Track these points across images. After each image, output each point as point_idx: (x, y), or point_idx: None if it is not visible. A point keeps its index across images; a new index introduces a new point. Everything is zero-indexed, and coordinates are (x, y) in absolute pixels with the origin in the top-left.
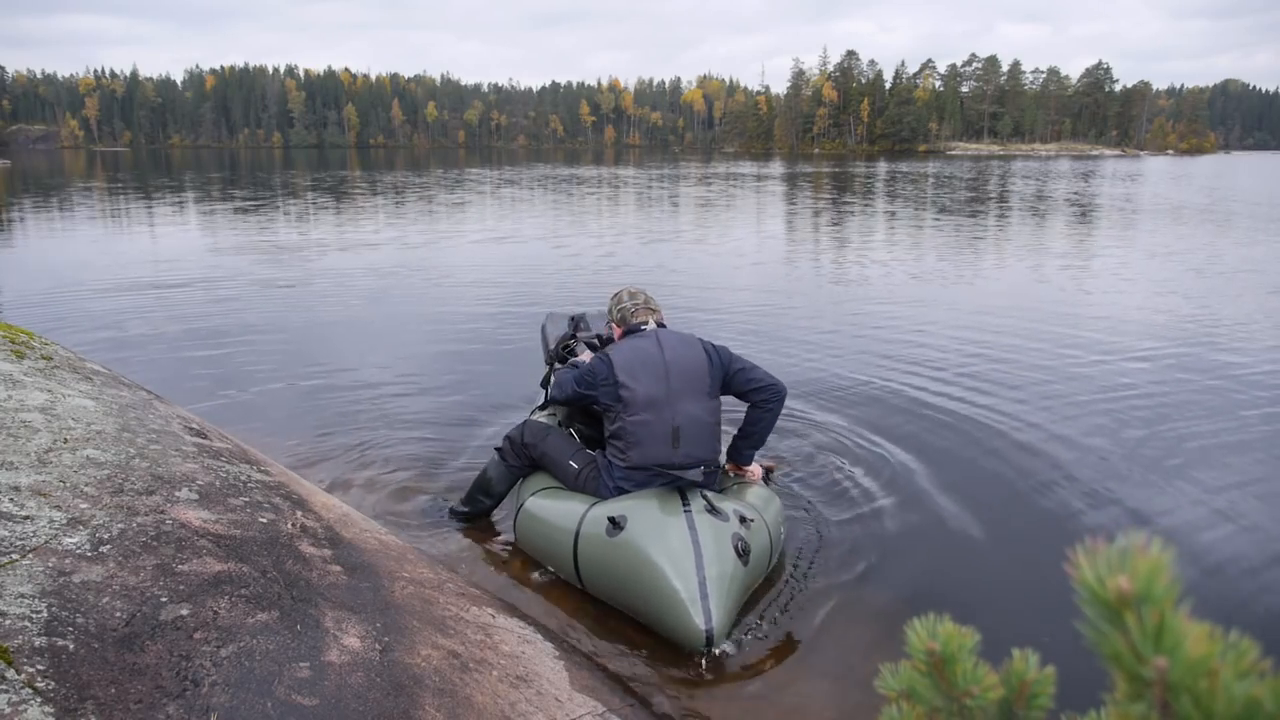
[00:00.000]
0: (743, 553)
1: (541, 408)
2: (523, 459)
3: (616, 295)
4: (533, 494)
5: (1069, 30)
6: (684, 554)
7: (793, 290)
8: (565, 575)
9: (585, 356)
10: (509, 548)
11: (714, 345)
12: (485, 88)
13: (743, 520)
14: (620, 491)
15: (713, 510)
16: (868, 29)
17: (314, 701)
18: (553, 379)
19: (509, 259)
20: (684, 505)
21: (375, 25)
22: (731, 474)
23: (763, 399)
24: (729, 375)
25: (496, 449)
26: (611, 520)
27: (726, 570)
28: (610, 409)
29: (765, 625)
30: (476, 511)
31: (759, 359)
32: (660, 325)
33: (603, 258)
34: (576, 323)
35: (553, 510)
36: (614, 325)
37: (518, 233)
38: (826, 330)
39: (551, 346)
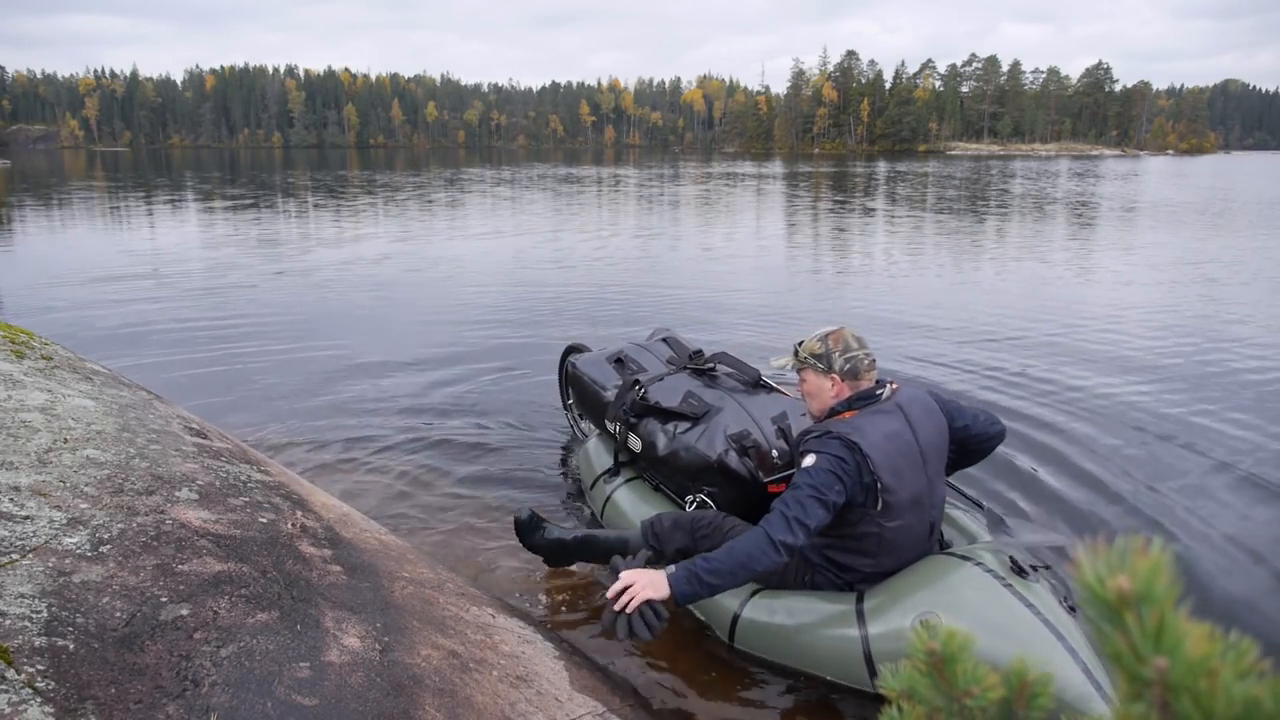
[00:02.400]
0: (1072, 606)
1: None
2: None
3: (836, 338)
4: (750, 598)
5: (1072, 30)
6: (1040, 639)
7: (797, 286)
8: (854, 682)
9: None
10: (509, 547)
11: (938, 398)
12: (485, 88)
13: (1034, 568)
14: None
15: (1019, 571)
16: (871, 29)
17: (314, 701)
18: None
19: (509, 258)
20: (994, 576)
21: (378, 25)
22: None
23: (989, 447)
24: (953, 431)
25: (649, 545)
26: (923, 623)
27: (1078, 635)
28: (853, 510)
29: None
30: (573, 554)
31: (760, 358)
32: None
33: (603, 256)
34: (635, 378)
35: (807, 613)
36: (834, 378)
37: (518, 231)
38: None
39: (607, 403)
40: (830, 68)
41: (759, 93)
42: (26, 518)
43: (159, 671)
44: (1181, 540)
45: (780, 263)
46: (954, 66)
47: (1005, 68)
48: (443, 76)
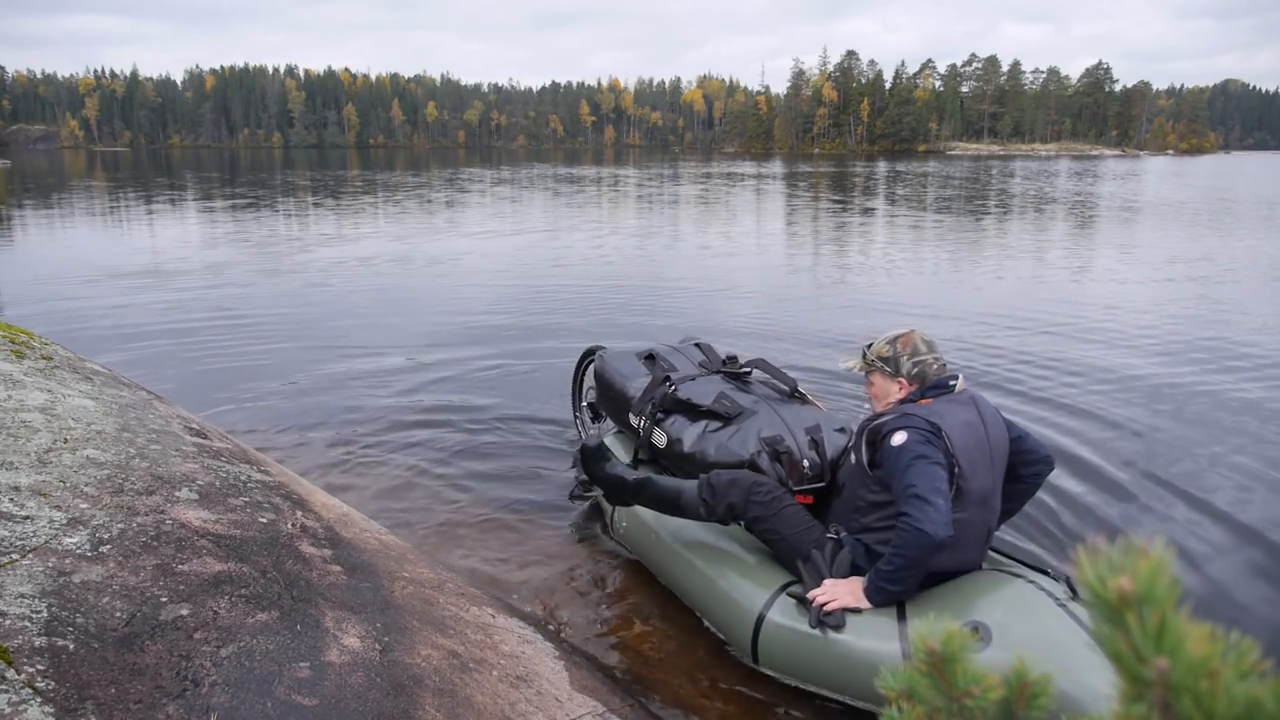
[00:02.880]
0: None
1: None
2: (728, 519)
3: (905, 342)
4: (776, 597)
5: (1072, 30)
6: (1097, 666)
7: (794, 283)
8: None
9: (698, 432)
10: (509, 547)
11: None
12: (485, 88)
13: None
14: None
15: (1075, 594)
16: (872, 29)
17: (314, 701)
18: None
19: (508, 257)
20: (1049, 595)
21: (378, 25)
22: None
23: (1036, 473)
24: (1009, 442)
25: (702, 497)
26: (973, 627)
27: None
28: None
29: None
30: (626, 498)
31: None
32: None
33: (602, 255)
34: (666, 374)
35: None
36: (901, 381)
37: (517, 231)
38: (832, 324)
39: (632, 397)
40: (830, 68)
41: (759, 93)
42: (26, 518)
43: (159, 671)
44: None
45: (778, 261)
46: (954, 66)
47: (1005, 68)
48: (443, 76)
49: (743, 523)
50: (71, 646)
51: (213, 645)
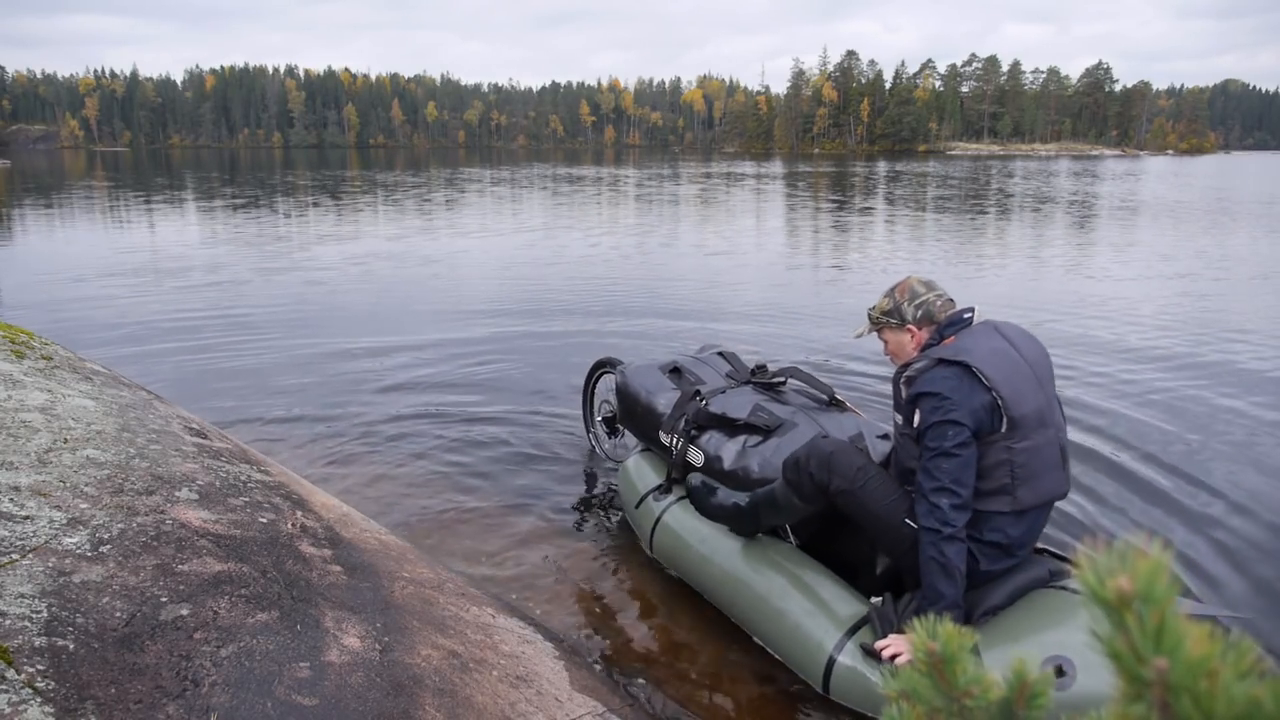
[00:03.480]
0: None
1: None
2: (816, 497)
3: (903, 289)
4: (848, 636)
5: (1073, 30)
6: None
7: (792, 280)
8: None
9: (737, 447)
10: (510, 547)
11: None
12: (485, 88)
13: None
14: (987, 575)
15: None
16: (872, 29)
17: (314, 701)
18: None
19: (509, 256)
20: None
21: (379, 25)
22: None
23: None
24: None
25: (786, 478)
26: (1057, 670)
27: None
28: (980, 441)
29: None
30: (727, 522)
31: (761, 353)
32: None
33: (603, 254)
34: (696, 388)
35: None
36: (911, 329)
37: (518, 230)
38: (830, 324)
39: (662, 414)
40: (830, 68)
41: (759, 93)
42: (26, 518)
43: (159, 671)
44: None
45: (777, 258)
46: (954, 66)
47: (1005, 68)
48: (443, 76)
49: (831, 500)
50: (71, 646)
51: (213, 645)
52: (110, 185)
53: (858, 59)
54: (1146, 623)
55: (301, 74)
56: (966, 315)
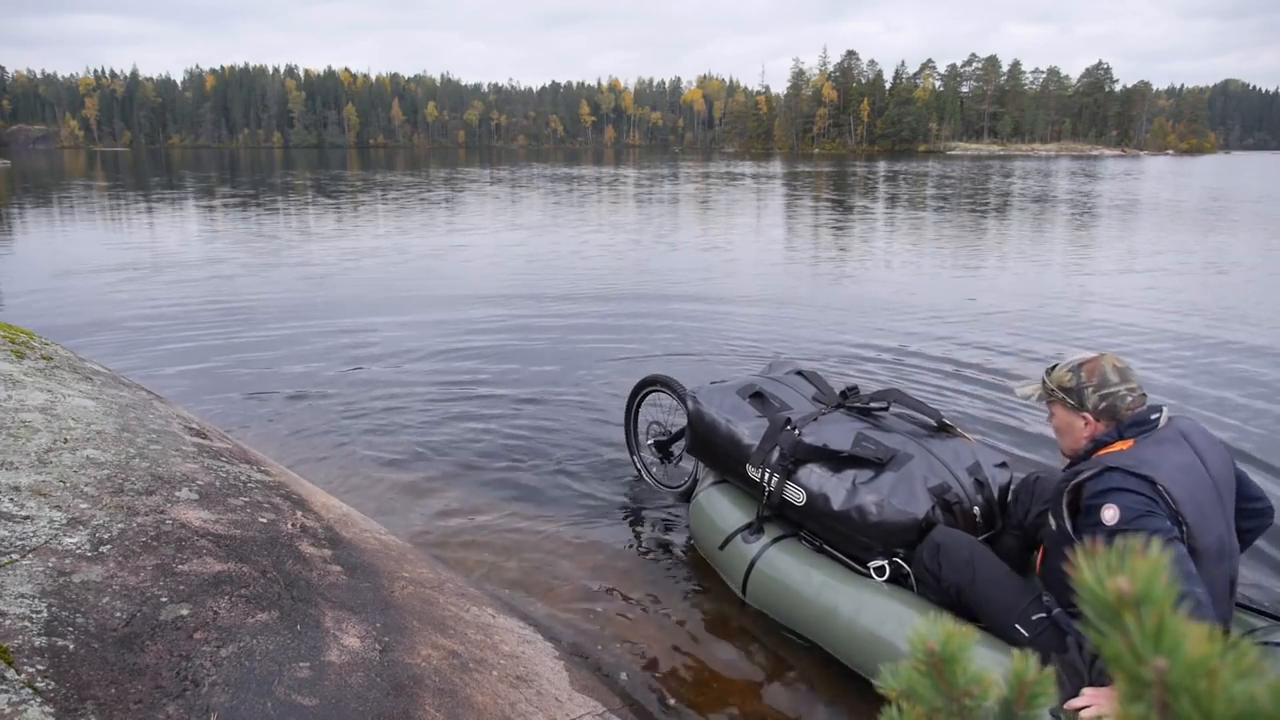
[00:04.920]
0: None
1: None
2: (945, 596)
3: (1091, 369)
4: None
5: (1075, 30)
6: None
7: (790, 277)
8: None
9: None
10: (510, 547)
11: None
12: (485, 88)
13: None
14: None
15: None
16: (874, 29)
17: (314, 701)
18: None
19: (510, 257)
20: None
21: (381, 25)
22: None
23: (1253, 527)
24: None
25: (927, 567)
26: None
27: None
28: None
29: (772, 633)
30: None
31: (765, 352)
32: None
33: (601, 253)
34: (787, 416)
35: None
36: (1087, 417)
37: (518, 230)
38: (833, 323)
39: (748, 445)
40: (830, 68)
41: (759, 93)
42: (26, 518)
43: (159, 671)
44: None
45: (776, 255)
46: (954, 66)
47: (1005, 68)
48: (443, 76)
49: (945, 594)
50: (71, 646)
51: (213, 645)
52: (110, 185)
53: (858, 59)
54: (1145, 623)
55: (301, 74)
56: (1154, 417)
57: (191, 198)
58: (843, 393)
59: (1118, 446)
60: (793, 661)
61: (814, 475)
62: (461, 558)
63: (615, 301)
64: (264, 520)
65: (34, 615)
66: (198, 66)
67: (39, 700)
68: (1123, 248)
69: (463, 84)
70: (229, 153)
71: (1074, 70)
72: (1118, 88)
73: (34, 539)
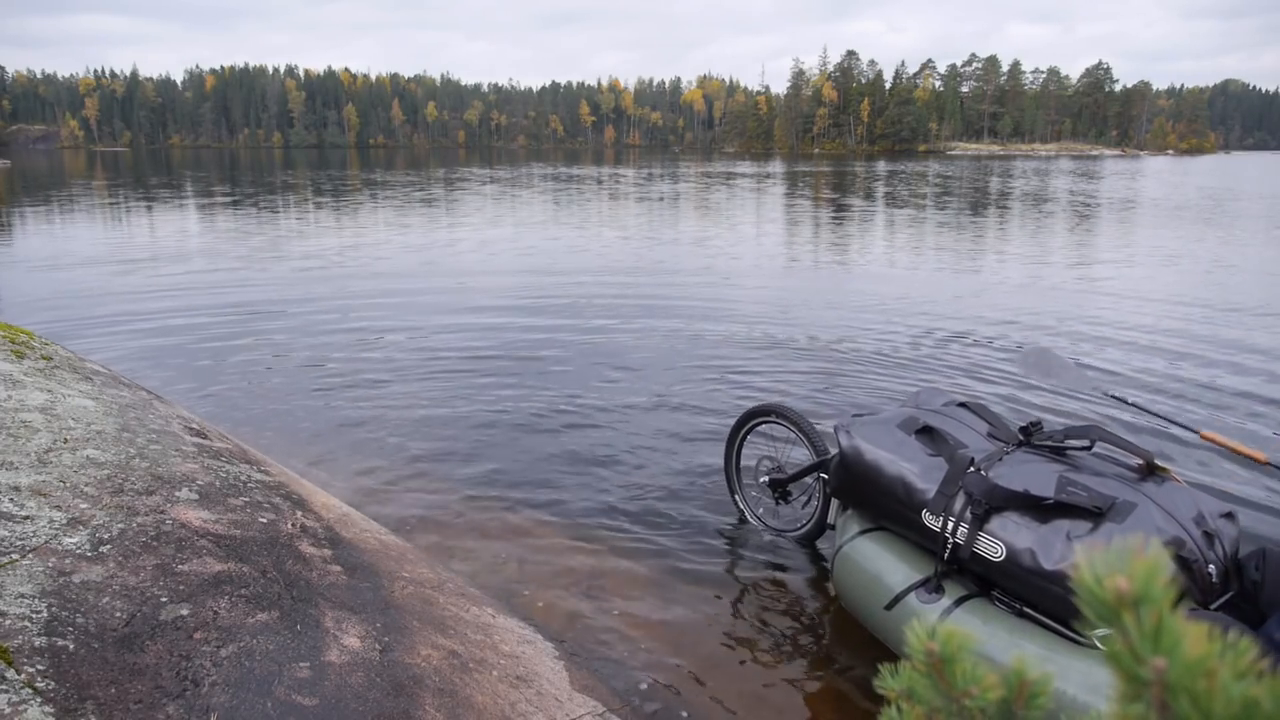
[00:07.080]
0: None
1: None
2: None
3: None
4: None
5: (1077, 30)
6: None
7: (790, 275)
8: None
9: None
10: (510, 547)
11: None
12: (485, 88)
13: None
14: None
15: None
16: (876, 29)
17: (314, 701)
18: None
19: (510, 257)
20: None
21: (385, 25)
22: None
23: None
24: None
25: None
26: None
27: None
28: None
29: (771, 630)
30: None
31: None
32: None
33: (600, 252)
34: (970, 457)
35: None
36: None
37: (518, 231)
38: (833, 322)
39: (923, 490)
40: (830, 68)
41: (759, 93)
42: (26, 518)
43: (159, 671)
44: None
45: (777, 253)
46: (954, 66)
47: (1005, 68)
48: (443, 76)
49: None
50: (71, 646)
51: (213, 645)
52: (110, 185)
53: (858, 59)
54: (1144, 623)
55: (301, 74)
56: None
57: (194, 198)
58: (1023, 429)
59: None
60: (793, 661)
61: (1012, 526)
62: (461, 557)
63: (625, 309)
64: (264, 520)
65: (34, 615)
66: (198, 66)
67: (39, 700)
68: (1142, 244)
69: (463, 84)
70: (229, 153)
71: (1075, 70)
72: (1118, 88)
73: (34, 539)
